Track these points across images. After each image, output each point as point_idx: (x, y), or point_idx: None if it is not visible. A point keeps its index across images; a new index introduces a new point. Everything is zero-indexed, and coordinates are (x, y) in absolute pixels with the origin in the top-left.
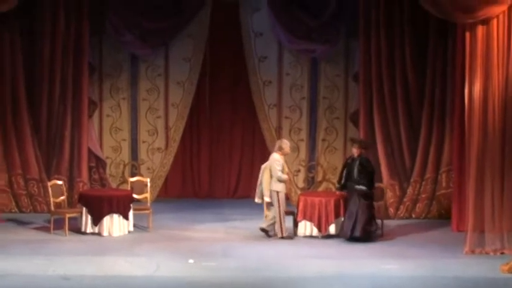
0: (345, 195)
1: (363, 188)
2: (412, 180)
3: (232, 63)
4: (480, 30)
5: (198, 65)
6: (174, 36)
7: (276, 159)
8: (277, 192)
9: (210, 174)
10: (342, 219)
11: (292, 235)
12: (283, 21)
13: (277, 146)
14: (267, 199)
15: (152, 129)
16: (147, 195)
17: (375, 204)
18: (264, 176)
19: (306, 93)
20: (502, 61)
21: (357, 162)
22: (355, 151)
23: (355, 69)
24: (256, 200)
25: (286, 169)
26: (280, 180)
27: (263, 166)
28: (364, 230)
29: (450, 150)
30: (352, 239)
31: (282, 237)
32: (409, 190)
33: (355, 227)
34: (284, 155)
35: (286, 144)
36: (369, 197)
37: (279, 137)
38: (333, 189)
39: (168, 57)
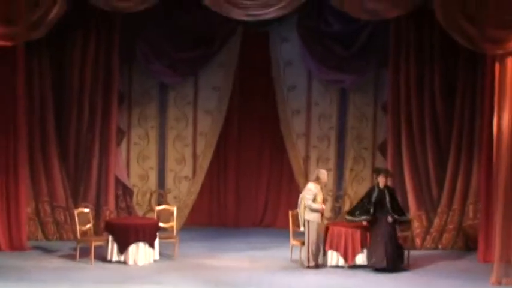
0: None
1: (405, 217)
2: (439, 210)
3: (261, 93)
4: (510, 61)
5: (227, 94)
6: (203, 65)
7: (308, 189)
8: (309, 222)
9: (236, 203)
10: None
11: (320, 265)
12: (314, 52)
13: (314, 175)
14: (301, 228)
15: (180, 157)
16: (173, 223)
17: (402, 234)
18: (300, 205)
19: (335, 122)
20: None
21: (387, 193)
22: (382, 180)
23: (384, 99)
24: (301, 228)
25: (321, 198)
26: (311, 210)
27: (301, 195)
28: (395, 261)
29: (478, 181)
30: (381, 269)
31: (308, 267)
32: (436, 221)
33: (386, 257)
34: (321, 184)
35: (323, 174)
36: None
37: (307, 166)
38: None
39: (198, 85)
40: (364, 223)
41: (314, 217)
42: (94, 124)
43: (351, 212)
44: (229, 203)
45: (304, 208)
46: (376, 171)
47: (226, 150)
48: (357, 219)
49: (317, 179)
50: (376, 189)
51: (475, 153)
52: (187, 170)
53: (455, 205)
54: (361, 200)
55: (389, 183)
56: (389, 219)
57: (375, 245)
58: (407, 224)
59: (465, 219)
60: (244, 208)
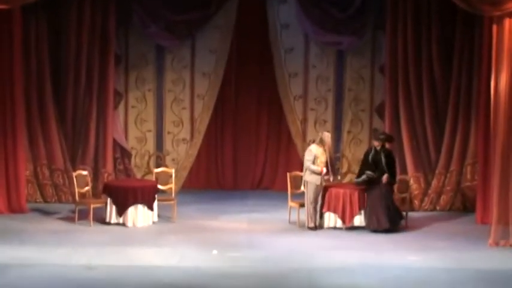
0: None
1: (393, 180)
2: (437, 172)
3: (259, 55)
4: (507, 22)
5: (224, 57)
6: (200, 28)
7: (309, 150)
8: (307, 182)
9: (234, 166)
10: (367, 210)
11: (318, 226)
12: (311, 14)
13: (318, 138)
14: (302, 188)
15: (177, 120)
16: (172, 186)
17: (400, 196)
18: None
19: (332, 85)
20: None
21: (382, 154)
22: (376, 143)
23: (382, 61)
24: (302, 188)
25: (322, 161)
26: (310, 171)
27: None
28: (393, 222)
29: (475, 142)
30: (379, 230)
31: (309, 228)
32: (434, 182)
33: (384, 218)
34: (326, 147)
35: (326, 136)
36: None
37: (304, 128)
38: None
39: (194, 48)
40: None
41: (313, 179)
42: (91, 87)
43: (358, 176)
44: (227, 165)
45: (305, 169)
46: (373, 134)
47: (224, 113)
48: (360, 179)
49: (321, 142)
50: (373, 151)
51: (473, 115)
52: (185, 133)
53: (453, 166)
54: (362, 163)
55: (387, 145)
56: (384, 179)
57: (372, 206)
58: (403, 184)
59: (463, 181)
60: (242, 170)
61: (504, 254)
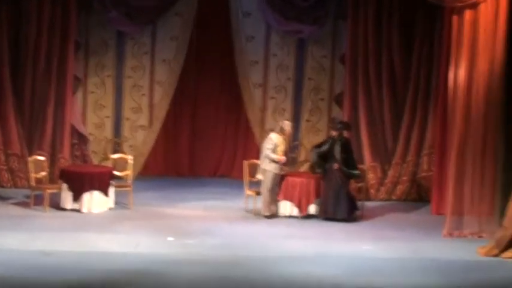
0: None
1: (355, 172)
2: (393, 162)
3: (220, 43)
4: (468, 14)
5: (185, 44)
6: (161, 15)
7: (269, 138)
8: (265, 171)
9: (192, 153)
10: (323, 199)
11: (274, 215)
12: (273, 2)
13: (278, 127)
14: (258, 176)
15: (136, 106)
16: (129, 172)
17: (356, 185)
18: (262, 155)
19: (292, 74)
20: (488, 46)
21: (338, 143)
22: (334, 132)
23: (342, 51)
24: (258, 176)
25: (282, 150)
26: (270, 160)
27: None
28: (348, 211)
29: (433, 133)
30: (334, 219)
31: (265, 216)
32: (391, 172)
33: (339, 208)
34: (285, 136)
35: (288, 125)
36: (349, 178)
37: (264, 117)
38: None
39: (155, 35)
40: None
41: (272, 167)
42: (50, 72)
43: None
44: (185, 152)
45: (264, 158)
46: (330, 122)
47: (183, 100)
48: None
49: (281, 130)
50: (330, 139)
51: (431, 106)
52: (143, 119)
53: (410, 157)
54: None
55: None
56: (335, 166)
57: (328, 195)
58: (357, 178)
59: (419, 171)
60: (200, 158)
61: (458, 245)
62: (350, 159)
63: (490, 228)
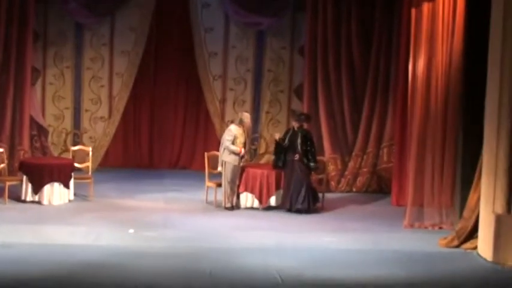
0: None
1: (312, 164)
2: (353, 154)
3: (179, 34)
4: (426, 6)
5: (144, 36)
6: (120, 6)
7: (228, 130)
8: (225, 162)
9: (152, 145)
10: (284, 190)
11: (235, 206)
12: None
13: (237, 118)
14: (219, 168)
15: (96, 98)
16: (89, 164)
17: (317, 177)
18: (221, 147)
19: (251, 65)
20: (447, 38)
21: (299, 135)
22: (295, 124)
23: (301, 42)
24: (218, 168)
25: (241, 141)
26: (229, 151)
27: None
28: (309, 202)
29: (392, 125)
30: (295, 210)
31: (226, 208)
32: (351, 164)
33: (300, 199)
34: (245, 128)
35: (246, 117)
36: (310, 169)
37: (223, 108)
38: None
39: (114, 26)
40: (280, 164)
41: (231, 159)
42: (9, 64)
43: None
44: (144, 144)
45: (224, 149)
46: (291, 114)
47: (143, 91)
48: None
49: (240, 122)
50: (291, 131)
51: (390, 98)
52: (103, 111)
53: (370, 148)
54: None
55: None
56: (296, 156)
57: (289, 187)
58: (313, 170)
59: (379, 163)
60: (160, 150)
61: (418, 236)
62: (310, 152)
63: (450, 219)
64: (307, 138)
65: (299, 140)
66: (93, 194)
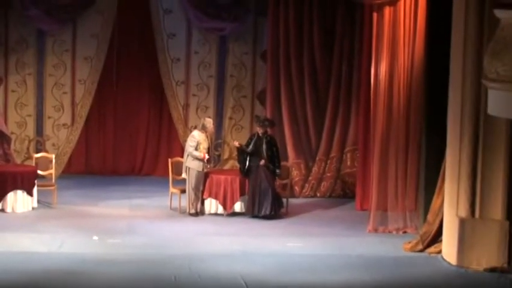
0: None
1: (278, 170)
2: (317, 158)
3: (141, 40)
4: (387, 11)
5: (106, 41)
6: (81, 12)
7: (191, 135)
8: (189, 169)
9: (115, 151)
10: (247, 196)
11: (199, 212)
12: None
13: (200, 124)
14: (183, 175)
15: (58, 105)
16: (52, 171)
17: (281, 182)
18: (185, 153)
19: (214, 71)
20: (408, 42)
21: (264, 140)
22: (259, 129)
23: (263, 47)
24: (183, 175)
25: (204, 147)
26: (193, 157)
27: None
28: (274, 208)
29: (356, 129)
30: (261, 216)
31: (190, 214)
32: (315, 169)
33: (265, 205)
34: (208, 133)
35: (209, 122)
36: (276, 175)
37: (186, 114)
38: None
39: (76, 33)
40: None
41: (195, 165)
42: None
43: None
44: (107, 151)
45: (187, 155)
46: (255, 120)
47: (105, 98)
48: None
49: (203, 128)
50: (255, 137)
51: (353, 102)
52: (65, 118)
53: (333, 153)
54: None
55: (269, 131)
56: (262, 162)
57: (253, 192)
58: (277, 176)
59: (343, 167)
60: (123, 156)
61: (382, 240)
62: (276, 157)
63: (414, 223)
64: (271, 144)
65: (264, 146)
66: (57, 201)
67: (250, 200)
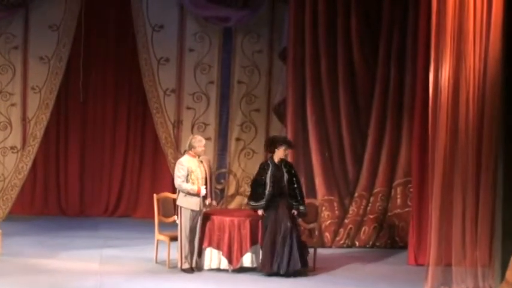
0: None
1: (301, 207)
2: (356, 195)
3: (116, 34)
4: None
5: (70, 36)
6: None
7: (178, 163)
8: (181, 208)
9: (82, 184)
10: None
11: (195, 268)
12: None
13: (187, 144)
14: (175, 218)
15: (4, 121)
16: None
17: (305, 227)
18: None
19: (216, 75)
20: (480, 37)
21: (283, 170)
22: (281, 153)
23: (283, 44)
24: (175, 218)
25: (200, 176)
26: (183, 192)
27: None
28: (298, 263)
29: (408, 156)
30: (284, 274)
31: (183, 270)
32: (352, 209)
33: (287, 258)
34: (196, 155)
35: (198, 141)
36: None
37: (178, 134)
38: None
39: (29, 23)
40: (260, 212)
41: (188, 202)
42: None
43: (251, 197)
44: (72, 183)
45: (178, 191)
46: (272, 142)
47: (69, 111)
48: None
49: (190, 148)
50: (271, 165)
51: (405, 118)
52: (14, 139)
53: (378, 187)
54: (255, 180)
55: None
56: (294, 212)
57: (270, 241)
58: (304, 215)
59: (391, 207)
60: (93, 191)
61: None
62: (299, 190)
63: (488, 283)
64: (292, 174)
65: (286, 177)
66: (2, 251)
67: (266, 252)
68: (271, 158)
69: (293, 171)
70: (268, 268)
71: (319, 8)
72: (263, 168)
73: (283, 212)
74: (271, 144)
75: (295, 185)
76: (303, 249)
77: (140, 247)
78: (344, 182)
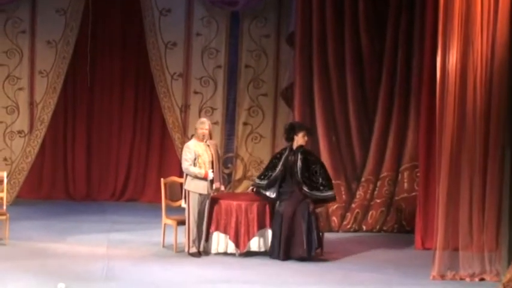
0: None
1: (330, 193)
2: (363, 179)
3: (123, 18)
4: None
5: (77, 20)
6: None
7: (185, 147)
8: (188, 193)
9: (89, 169)
10: (269, 231)
11: (202, 252)
12: None
13: (194, 127)
14: (182, 203)
15: (12, 105)
16: (3, 195)
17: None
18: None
19: (223, 60)
20: (488, 21)
21: (299, 156)
22: (303, 140)
23: (290, 28)
24: (182, 203)
25: (207, 160)
26: (190, 176)
27: None
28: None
29: (415, 140)
30: (298, 258)
31: (190, 254)
32: (359, 193)
33: (304, 244)
34: (203, 139)
35: (200, 123)
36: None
37: (185, 118)
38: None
39: (36, 7)
40: (273, 195)
41: (195, 186)
42: None
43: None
44: (79, 168)
45: (186, 175)
46: (291, 128)
47: (76, 96)
48: (263, 192)
49: (198, 134)
50: (288, 150)
51: (412, 103)
52: (21, 123)
53: (385, 172)
54: (269, 161)
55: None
56: (311, 207)
57: (278, 225)
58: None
59: (398, 191)
60: (100, 176)
61: None
62: (321, 176)
63: (495, 267)
64: (311, 161)
65: (299, 164)
66: (9, 235)
67: (274, 235)
68: (291, 146)
69: (312, 159)
70: (274, 252)
71: None
72: (280, 151)
73: (295, 200)
74: (290, 131)
75: (314, 173)
76: (314, 238)
77: (147, 231)
78: (351, 167)
